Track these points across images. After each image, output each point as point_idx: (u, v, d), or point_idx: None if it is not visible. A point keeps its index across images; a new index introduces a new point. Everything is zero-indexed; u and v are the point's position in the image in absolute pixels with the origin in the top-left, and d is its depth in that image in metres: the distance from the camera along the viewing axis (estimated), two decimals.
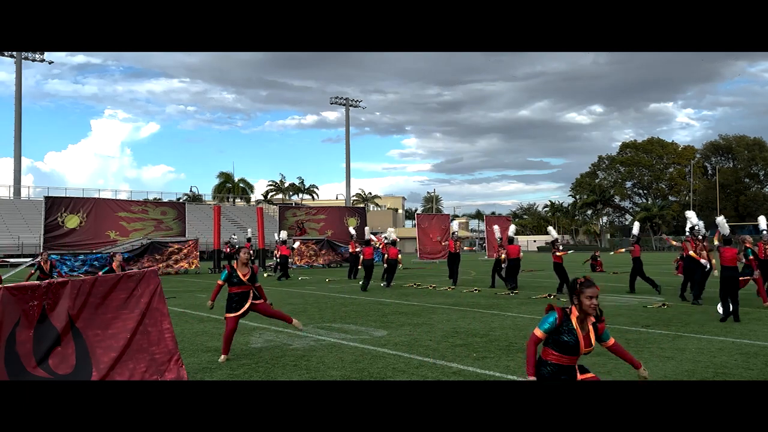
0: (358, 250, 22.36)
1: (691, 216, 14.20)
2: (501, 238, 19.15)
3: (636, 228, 17.67)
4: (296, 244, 31.43)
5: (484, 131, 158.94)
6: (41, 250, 25.69)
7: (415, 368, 7.04)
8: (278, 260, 24.62)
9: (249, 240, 28.59)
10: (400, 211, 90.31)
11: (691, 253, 12.97)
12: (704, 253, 13.00)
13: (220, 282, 7.81)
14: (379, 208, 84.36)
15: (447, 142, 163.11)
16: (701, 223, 13.80)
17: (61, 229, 26.20)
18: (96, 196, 46.75)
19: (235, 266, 7.80)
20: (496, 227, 21.55)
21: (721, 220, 12.77)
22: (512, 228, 20.39)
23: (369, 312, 12.41)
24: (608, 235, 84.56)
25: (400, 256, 19.20)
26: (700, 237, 13.25)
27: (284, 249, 24.74)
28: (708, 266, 12.88)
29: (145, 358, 5.72)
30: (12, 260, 33.91)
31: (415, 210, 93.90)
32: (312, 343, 8.69)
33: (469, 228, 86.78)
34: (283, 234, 28.06)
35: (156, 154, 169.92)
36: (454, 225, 22.31)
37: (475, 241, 69.90)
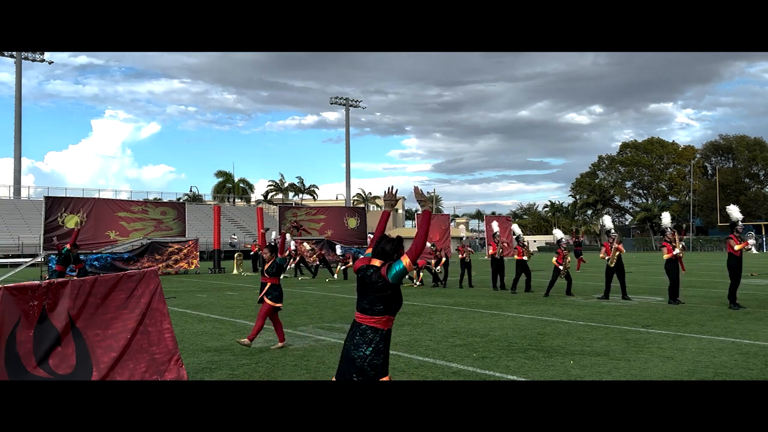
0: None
1: (606, 220, 15.45)
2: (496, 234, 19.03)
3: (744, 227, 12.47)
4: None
5: (484, 131, 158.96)
6: (41, 251, 25.77)
7: (415, 368, 7.04)
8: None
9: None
10: (400, 211, 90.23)
11: (601, 254, 14.23)
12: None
13: None
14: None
15: (447, 142, 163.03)
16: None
17: (61, 229, 26.17)
18: (96, 196, 46.71)
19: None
20: (494, 223, 21.27)
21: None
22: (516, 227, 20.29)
23: None
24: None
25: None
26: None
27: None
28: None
29: (145, 358, 5.72)
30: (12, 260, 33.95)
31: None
32: (312, 343, 8.69)
33: (470, 228, 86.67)
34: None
35: (156, 154, 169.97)
36: None
37: (474, 241, 69.79)
